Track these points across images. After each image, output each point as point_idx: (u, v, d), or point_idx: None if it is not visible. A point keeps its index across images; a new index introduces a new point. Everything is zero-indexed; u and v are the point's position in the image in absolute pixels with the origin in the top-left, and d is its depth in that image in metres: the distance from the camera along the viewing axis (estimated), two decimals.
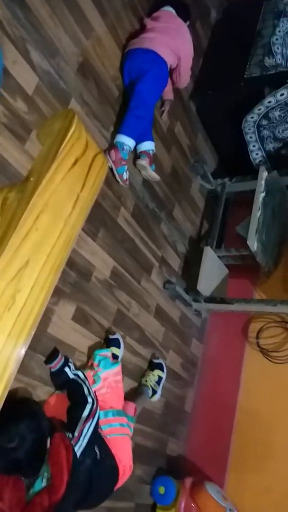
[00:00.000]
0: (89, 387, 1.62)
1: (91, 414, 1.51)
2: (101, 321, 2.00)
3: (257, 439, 2.52)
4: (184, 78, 2.33)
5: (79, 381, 1.63)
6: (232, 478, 2.49)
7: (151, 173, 2.26)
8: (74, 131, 0.93)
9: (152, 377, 2.24)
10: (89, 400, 1.55)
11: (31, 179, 0.92)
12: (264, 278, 2.84)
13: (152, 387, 2.20)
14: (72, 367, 1.68)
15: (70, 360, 1.70)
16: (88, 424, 1.47)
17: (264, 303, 2.51)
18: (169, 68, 2.17)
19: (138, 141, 2.14)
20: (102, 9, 2.01)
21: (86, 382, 1.63)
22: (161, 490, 2.25)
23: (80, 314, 1.88)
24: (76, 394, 1.57)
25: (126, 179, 2.09)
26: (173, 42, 2.11)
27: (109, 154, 2.01)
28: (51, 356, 1.66)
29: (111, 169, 2.04)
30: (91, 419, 1.49)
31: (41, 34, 1.73)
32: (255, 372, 2.70)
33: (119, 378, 1.84)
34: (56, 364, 1.64)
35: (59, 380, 1.65)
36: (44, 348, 1.70)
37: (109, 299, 2.06)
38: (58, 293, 1.77)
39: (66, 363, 1.66)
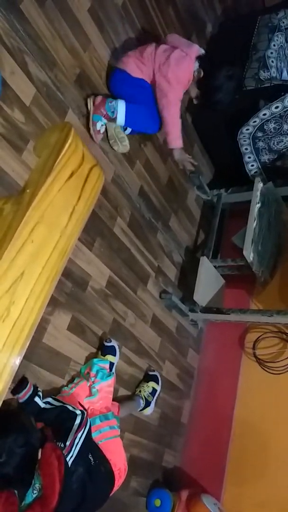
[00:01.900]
0: (70, 405, 1.58)
1: (82, 423, 1.49)
2: (96, 331, 1.99)
3: (254, 450, 2.50)
4: None
5: (56, 404, 1.58)
6: (229, 490, 2.47)
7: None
8: (71, 144, 0.94)
9: (146, 388, 2.22)
10: (78, 412, 1.53)
11: (27, 190, 0.93)
12: (260, 288, 2.84)
13: (145, 398, 2.19)
14: (41, 396, 1.59)
15: (39, 389, 1.61)
16: (80, 433, 1.46)
17: (261, 313, 2.51)
18: None
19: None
20: (100, 22, 2.04)
21: (64, 403, 1.59)
22: (157, 502, 2.22)
23: (75, 324, 1.87)
24: (60, 417, 1.53)
25: (99, 130, 1.99)
26: None
27: (93, 98, 1.97)
28: (19, 386, 1.55)
29: (87, 116, 1.97)
30: (83, 428, 1.48)
31: (39, 45, 1.75)
32: (252, 383, 2.69)
33: (111, 389, 1.83)
34: (25, 394, 1.54)
35: (31, 410, 1.56)
36: (39, 358, 1.69)
37: (105, 308, 2.05)
38: (53, 303, 1.76)
39: (35, 393, 1.57)
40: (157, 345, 2.45)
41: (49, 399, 1.60)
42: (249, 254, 2.41)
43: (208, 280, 2.67)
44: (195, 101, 2.14)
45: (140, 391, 2.20)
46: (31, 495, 1.30)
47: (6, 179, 1.59)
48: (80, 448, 1.42)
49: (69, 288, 1.85)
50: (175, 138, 2.15)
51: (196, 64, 2.05)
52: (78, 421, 1.49)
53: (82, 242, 1.93)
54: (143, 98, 2.07)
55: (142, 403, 2.16)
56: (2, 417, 1.36)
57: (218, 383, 2.78)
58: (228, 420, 2.62)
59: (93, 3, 1.99)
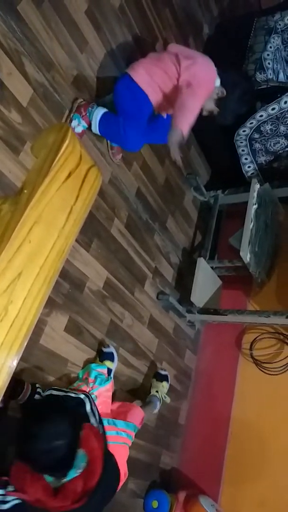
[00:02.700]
0: (71, 391, 1.57)
1: (92, 405, 1.50)
2: (94, 332, 1.99)
3: (252, 451, 2.51)
4: None
5: (59, 394, 1.56)
6: (226, 491, 2.47)
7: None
8: (68, 144, 0.93)
9: (163, 388, 2.24)
10: (82, 396, 1.52)
11: (25, 191, 0.93)
12: (257, 289, 2.85)
13: (162, 398, 2.20)
14: (42, 392, 1.58)
15: (37, 385, 1.60)
16: (97, 414, 1.48)
17: (258, 314, 2.52)
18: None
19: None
20: (97, 23, 2.04)
21: (66, 390, 1.58)
22: (155, 504, 2.22)
23: (73, 325, 1.87)
24: (66, 403, 1.52)
25: (73, 128, 1.93)
26: None
27: (79, 100, 1.95)
28: (16, 389, 1.53)
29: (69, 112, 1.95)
30: (96, 412, 1.49)
31: (36, 47, 1.75)
32: (249, 384, 2.70)
33: (110, 394, 1.83)
34: (24, 395, 1.53)
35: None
36: (36, 359, 1.68)
37: (102, 310, 2.05)
38: (51, 304, 1.76)
39: (34, 391, 1.56)
40: (154, 346, 2.45)
41: (50, 391, 1.58)
42: (246, 255, 2.42)
43: (205, 281, 2.68)
44: (205, 113, 2.05)
45: (157, 391, 2.21)
46: (74, 473, 1.29)
47: (3, 180, 1.59)
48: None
49: (66, 289, 1.85)
50: (186, 123, 1.90)
51: (218, 81, 1.96)
52: (88, 405, 1.49)
53: (80, 243, 1.93)
54: (138, 114, 1.95)
55: (159, 404, 2.18)
56: (41, 404, 1.35)
57: (215, 384, 2.78)
58: (225, 420, 2.62)
59: (90, 5, 1.99)
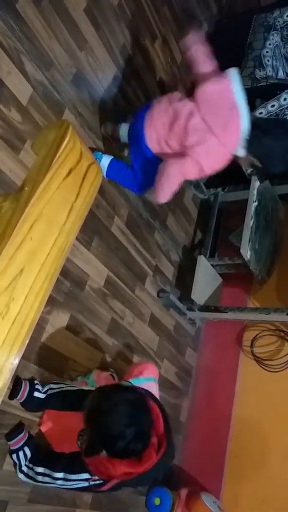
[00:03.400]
0: (68, 384, 1.59)
1: None
2: (95, 330, 1.99)
3: (253, 448, 2.51)
4: None
5: (57, 388, 1.57)
6: (228, 488, 2.47)
7: None
8: (69, 141, 0.94)
9: None
10: (77, 387, 1.54)
11: (26, 188, 0.93)
12: (257, 287, 2.85)
13: None
14: (41, 388, 1.56)
15: (36, 381, 1.58)
16: None
17: (258, 311, 2.52)
18: None
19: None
20: (96, 21, 2.04)
21: (64, 383, 1.60)
22: (157, 501, 2.23)
23: (73, 323, 1.88)
24: (68, 400, 1.53)
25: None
26: None
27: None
28: (15, 388, 1.51)
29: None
30: None
31: (36, 45, 1.75)
32: (250, 381, 2.70)
33: (110, 379, 1.83)
34: (23, 394, 1.51)
35: (35, 405, 1.55)
36: (38, 357, 1.69)
37: (103, 308, 2.06)
38: (51, 302, 1.77)
39: (33, 388, 1.54)
40: (155, 344, 2.45)
41: (49, 386, 1.59)
42: (246, 252, 2.42)
43: (206, 278, 2.68)
44: (245, 167, 1.86)
45: None
46: None
47: (3, 178, 1.59)
48: None
49: (67, 288, 1.85)
50: (162, 194, 1.82)
51: (241, 151, 1.70)
52: None
53: (80, 241, 1.93)
54: (144, 164, 1.83)
55: None
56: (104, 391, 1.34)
57: (216, 381, 2.79)
58: (226, 418, 2.63)
59: (89, 3, 1.99)
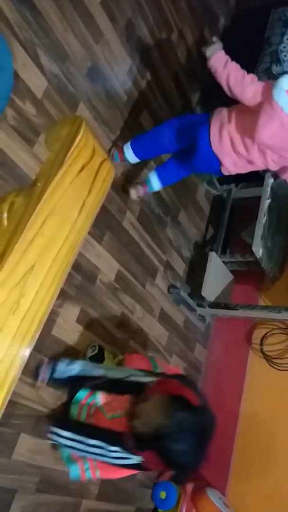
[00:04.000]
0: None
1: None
2: (105, 324, 2.01)
3: (260, 445, 2.51)
4: None
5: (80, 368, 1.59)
6: (234, 485, 2.48)
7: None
8: (82, 137, 0.93)
9: None
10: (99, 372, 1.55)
11: (38, 184, 0.93)
12: (269, 285, 2.83)
13: None
14: (58, 369, 1.61)
15: (59, 359, 1.64)
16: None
17: (269, 309, 2.50)
18: None
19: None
20: (112, 14, 2.03)
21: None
22: (162, 495, 2.25)
23: (84, 317, 1.89)
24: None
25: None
26: None
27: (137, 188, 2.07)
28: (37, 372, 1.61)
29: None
30: None
31: (51, 38, 1.75)
32: (259, 379, 2.69)
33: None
34: (44, 373, 1.59)
35: (63, 381, 1.62)
36: (48, 349, 1.70)
37: (114, 302, 2.06)
38: (63, 296, 1.78)
39: (55, 366, 1.61)
40: (164, 339, 2.46)
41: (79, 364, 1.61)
42: (259, 250, 2.40)
43: (217, 275, 2.67)
44: None
45: None
46: None
47: (17, 171, 1.60)
48: None
49: (79, 281, 1.86)
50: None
51: None
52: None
53: (92, 236, 1.94)
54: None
55: None
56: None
57: (225, 378, 2.78)
58: (234, 415, 2.63)
59: None
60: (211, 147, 1.73)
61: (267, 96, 1.53)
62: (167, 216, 2.52)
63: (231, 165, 1.78)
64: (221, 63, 1.63)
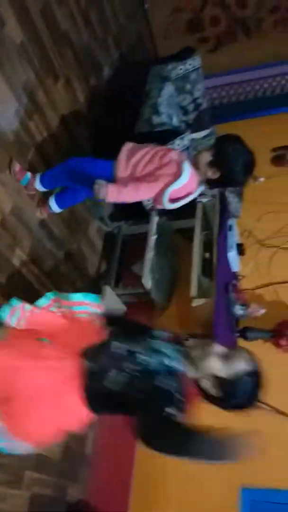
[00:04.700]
0: None
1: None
2: None
3: (158, 476, 2.57)
4: None
5: None
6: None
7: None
8: None
9: None
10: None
11: None
12: (158, 314, 3.00)
13: None
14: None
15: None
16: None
17: None
18: None
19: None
20: None
21: None
22: None
23: None
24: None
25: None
26: None
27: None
28: None
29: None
30: None
31: None
32: None
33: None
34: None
35: None
36: None
37: None
38: None
39: None
40: None
41: None
42: (148, 282, 2.56)
43: (111, 307, 2.75)
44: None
45: None
46: None
47: None
48: None
49: None
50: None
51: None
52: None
53: None
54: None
55: None
56: None
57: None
58: (132, 445, 2.66)
59: None
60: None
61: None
62: (59, 251, 2.56)
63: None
64: (114, 195, 1.95)
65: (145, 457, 2.63)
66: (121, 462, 2.64)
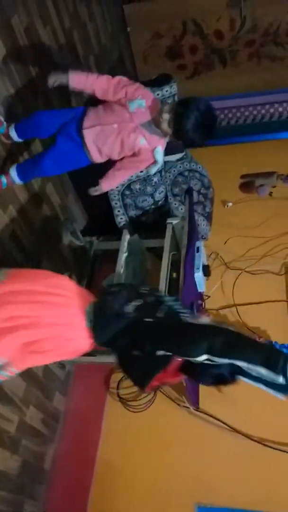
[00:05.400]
0: None
1: None
2: None
3: (118, 489, 2.59)
4: None
5: None
6: None
7: None
8: None
9: None
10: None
11: None
12: None
13: None
14: None
15: None
16: None
17: None
18: None
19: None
20: None
21: None
22: None
23: None
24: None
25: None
26: None
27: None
28: None
29: None
30: None
31: None
32: (115, 422, 2.82)
33: None
34: None
35: None
36: None
37: None
38: None
39: None
40: (21, 390, 2.42)
41: None
42: None
43: None
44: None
45: None
46: None
47: None
48: None
49: None
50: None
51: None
52: None
53: None
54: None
55: None
56: None
57: (84, 425, 2.83)
58: (91, 461, 2.67)
59: None
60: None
61: None
62: (28, 263, 2.57)
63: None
64: (107, 185, 2.27)
65: (104, 474, 2.65)
66: (80, 478, 2.63)
